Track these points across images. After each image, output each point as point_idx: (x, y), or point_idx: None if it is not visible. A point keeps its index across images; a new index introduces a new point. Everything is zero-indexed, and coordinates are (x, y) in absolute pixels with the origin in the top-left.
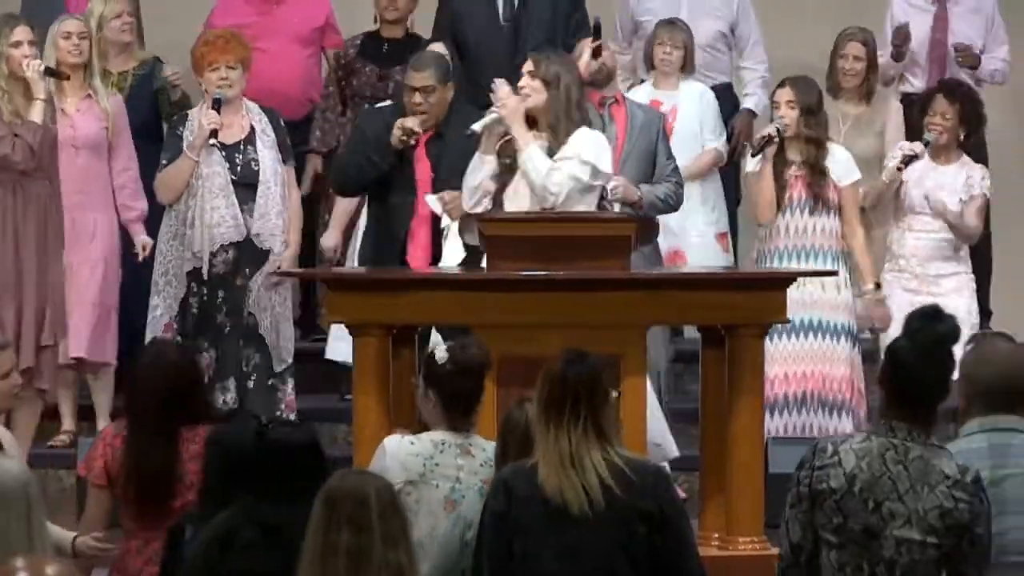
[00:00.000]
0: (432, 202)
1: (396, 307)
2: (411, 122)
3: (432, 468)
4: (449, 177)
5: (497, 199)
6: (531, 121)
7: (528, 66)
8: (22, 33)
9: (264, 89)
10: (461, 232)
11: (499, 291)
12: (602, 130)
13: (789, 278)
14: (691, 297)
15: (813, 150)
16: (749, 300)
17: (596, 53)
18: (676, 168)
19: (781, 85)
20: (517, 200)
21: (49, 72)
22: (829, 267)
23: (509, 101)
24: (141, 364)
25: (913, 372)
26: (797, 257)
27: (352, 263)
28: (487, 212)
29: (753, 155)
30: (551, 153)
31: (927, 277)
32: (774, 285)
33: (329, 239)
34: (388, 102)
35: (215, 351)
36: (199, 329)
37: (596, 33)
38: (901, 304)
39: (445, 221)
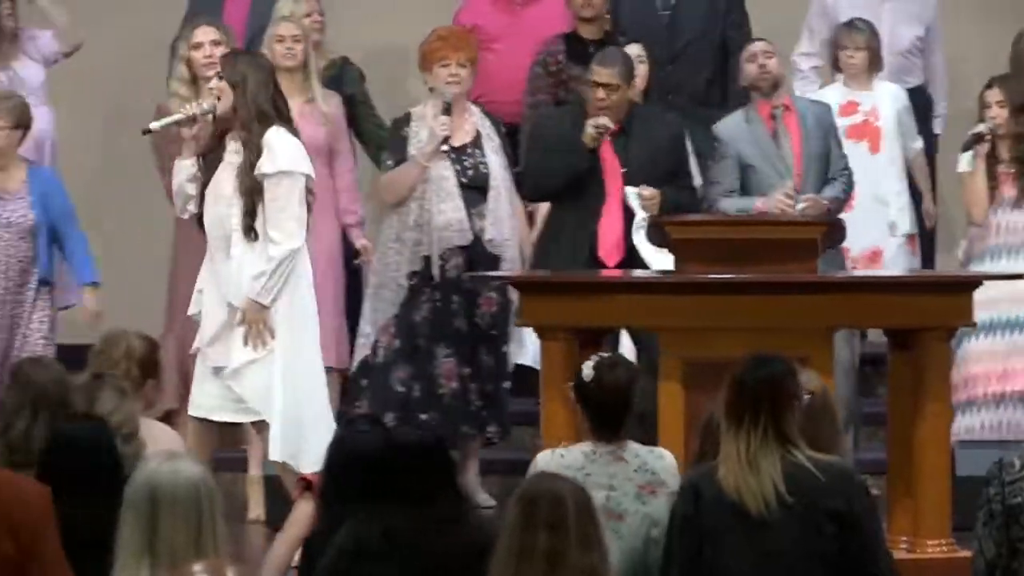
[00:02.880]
0: (631, 195)
1: (583, 310)
2: (604, 120)
3: (584, 479)
4: (637, 173)
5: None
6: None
7: (217, 68)
8: (202, 34)
9: (496, 90)
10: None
11: (685, 294)
12: (774, 141)
13: (976, 281)
14: (877, 300)
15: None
16: (936, 303)
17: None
18: (847, 162)
19: (989, 85)
20: (217, 199)
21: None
22: None
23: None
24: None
25: None
26: (1007, 255)
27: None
28: (671, 217)
29: (963, 151)
30: (254, 153)
31: None
32: (961, 288)
33: (534, 233)
34: (560, 108)
35: (456, 357)
36: (435, 333)
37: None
38: None
39: (640, 215)
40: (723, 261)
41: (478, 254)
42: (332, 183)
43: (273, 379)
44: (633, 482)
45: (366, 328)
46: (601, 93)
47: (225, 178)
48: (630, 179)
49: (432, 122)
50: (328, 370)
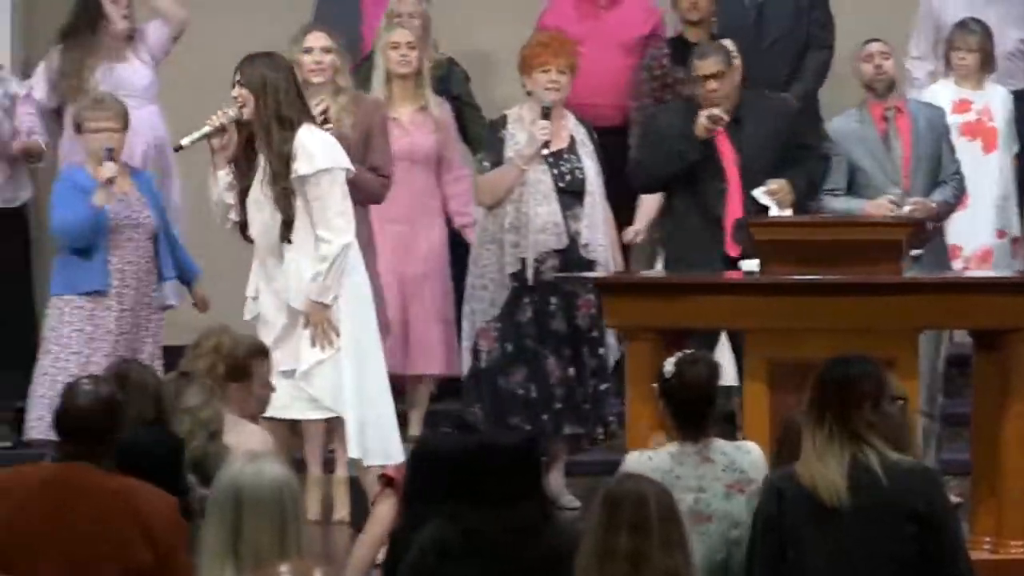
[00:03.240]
0: (761, 196)
1: (667, 311)
2: (717, 110)
3: (673, 482)
4: (754, 161)
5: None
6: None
7: (236, 75)
8: (314, 39)
9: (581, 92)
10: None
11: (771, 295)
12: (885, 143)
13: None
14: (963, 301)
15: None
16: (1022, 304)
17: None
18: (959, 166)
19: None
20: (260, 206)
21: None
22: None
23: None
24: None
25: None
26: None
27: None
28: (760, 217)
29: None
30: (276, 160)
31: None
32: None
33: (629, 233)
34: (674, 103)
35: (557, 358)
36: (537, 335)
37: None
38: None
39: (774, 211)
40: (809, 262)
41: (572, 258)
42: (440, 190)
43: (344, 376)
44: (721, 482)
45: (466, 330)
46: (712, 84)
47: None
48: (746, 166)
49: (532, 126)
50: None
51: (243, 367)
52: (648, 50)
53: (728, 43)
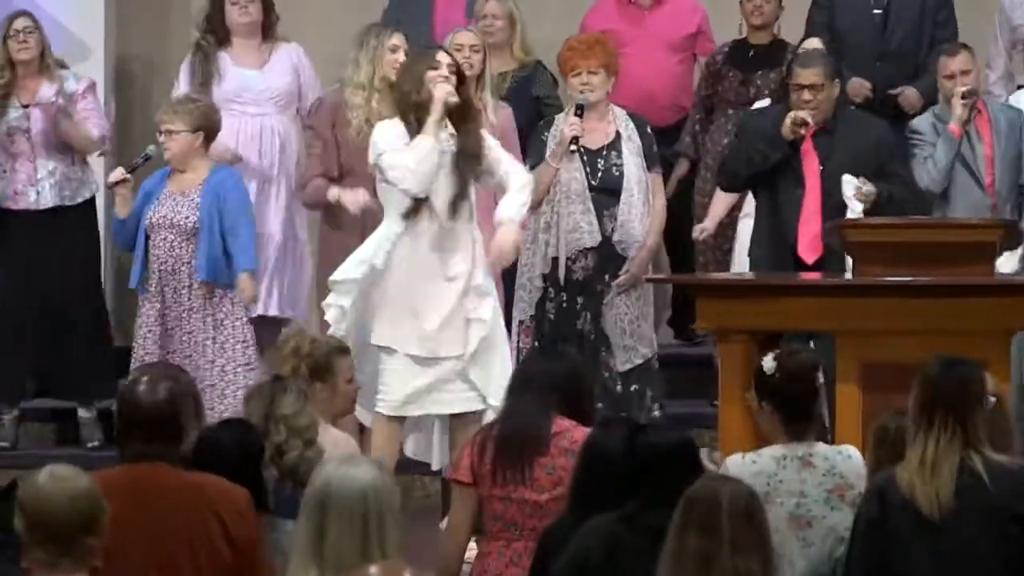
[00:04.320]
0: (847, 183)
1: (760, 313)
2: (803, 113)
3: (776, 486)
4: (836, 172)
5: None
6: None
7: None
8: (399, 40)
9: (632, 94)
10: None
11: (862, 296)
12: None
13: None
14: None
15: None
16: None
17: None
18: None
19: None
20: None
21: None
22: None
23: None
24: (533, 361)
25: None
26: None
27: (740, 253)
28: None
29: None
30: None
31: None
32: None
33: (696, 230)
34: (766, 103)
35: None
36: (559, 334)
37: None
38: None
39: (853, 206)
40: (900, 263)
41: (607, 255)
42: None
43: (499, 368)
44: (823, 487)
45: (514, 328)
46: (807, 94)
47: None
48: (827, 177)
49: (562, 125)
50: None
51: (325, 366)
52: (701, 45)
53: (815, 42)
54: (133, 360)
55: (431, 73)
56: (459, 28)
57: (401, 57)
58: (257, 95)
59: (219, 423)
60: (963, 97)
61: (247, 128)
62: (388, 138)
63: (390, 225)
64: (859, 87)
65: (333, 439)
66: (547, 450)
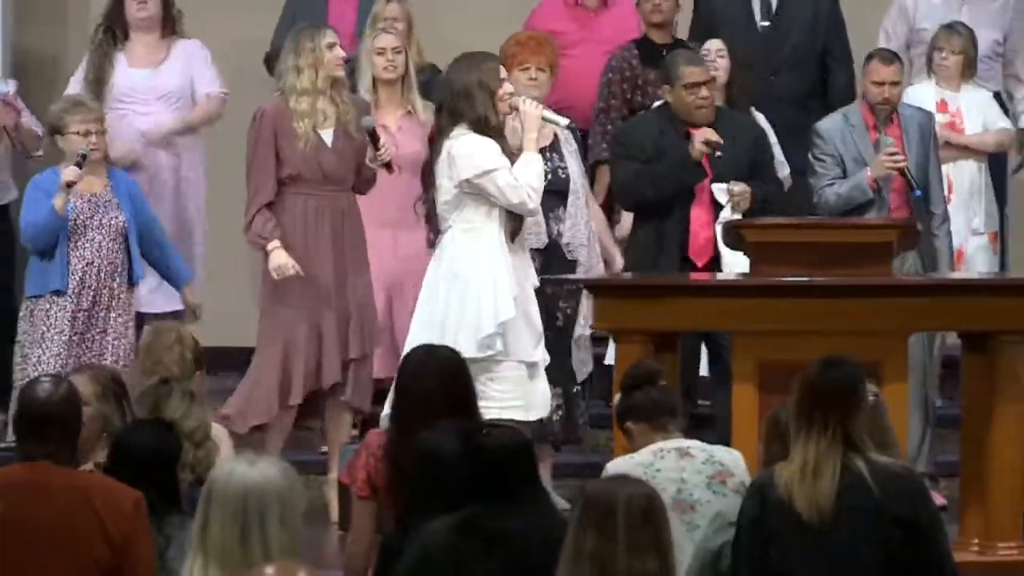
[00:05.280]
0: (719, 191)
1: (658, 313)
2: (712, 134)
3: (654, 475)
4: (723, 174)
5: None
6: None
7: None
8: (333, 36)
9: (573, 95)
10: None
11: (761, 297)
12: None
13: None
14: (952, 303)
15: None
16: (1010, 306)
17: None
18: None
19: None
20: None
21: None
22: None
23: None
24: (408, 367)
25: None
26: None
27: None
28: (749, 219)
29: (1014, 172)
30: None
31: None
32: None
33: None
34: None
35: None
36: None
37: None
38: None
39: (725, 214)
40: (798, 264)
41: (554, 258)
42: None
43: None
44: (703, 473)
45: None
46: (704, 91)
47: None
48: (716, 179)
49: (513, 123)
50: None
51: (201, 356)
52: (616, 51)
53: (716, 43)
54: (34, 363)
55: (502, 92)
56: (379, 31)
57: (340, 53)
58: (146, 94)
59: (136, 424)
60: (707, 144)
61: (138, 126)
62: (494, 156)
63: (488, 243)
64: None
65: (220, 434)
66: None
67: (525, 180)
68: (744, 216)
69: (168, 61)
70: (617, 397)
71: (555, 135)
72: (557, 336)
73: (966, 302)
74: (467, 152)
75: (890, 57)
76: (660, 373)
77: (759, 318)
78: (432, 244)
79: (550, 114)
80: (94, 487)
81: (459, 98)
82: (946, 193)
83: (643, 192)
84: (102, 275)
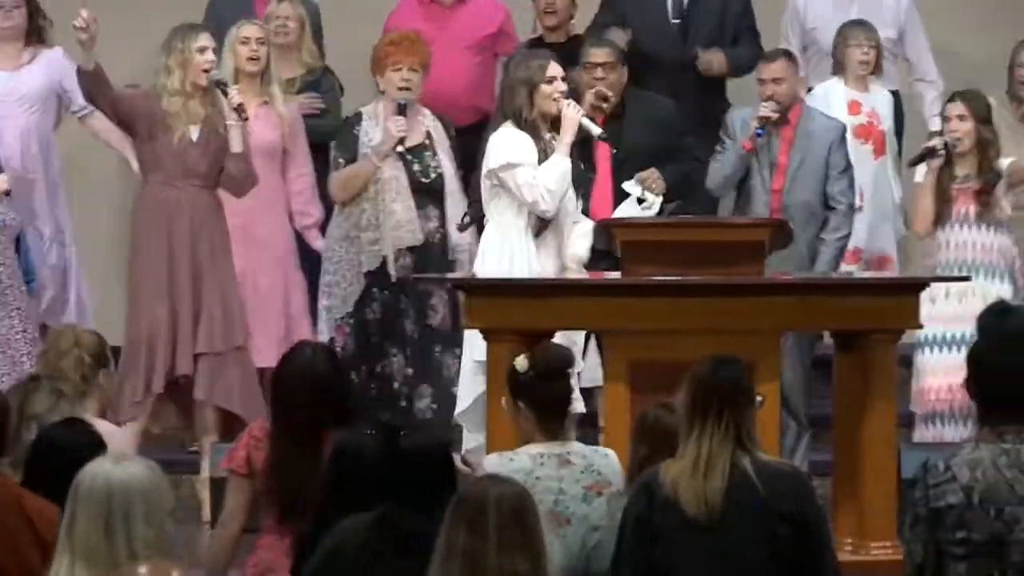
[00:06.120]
0: (630, 187)
1: (530, 312)
2: (604, 88)
3: (534, 483)
4: (631, 156)
5: None
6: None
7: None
8: (206, 39)
9: (432, 95)
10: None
11: (633, 296)
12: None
13: (922, 283)
14: (824, 302)
15: (984, 163)
16: (882, 306)
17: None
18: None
19: (952, 99)
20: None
21: (217, 84)
22: (997, 285)
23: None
24: (288, 365)
25: (995, 372)
26: (960, 272)
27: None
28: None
29: (911, 165)
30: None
31: None
32: (907, 291)
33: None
34: None
35: (403, 357)
36: (384, 333)
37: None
38: None
39: (649, 201)
40: (670, 263)
41: (429, 255)
42: (284, 186)
43: None
44: (580, 484)
45: (323, 328)
46: (599, 72)
47: None
48: (622, 162)
49: (388, 123)
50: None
51: (104, 354)
52: (503, 45)
53: (623, 35)
54: None
55: (547, 88)
56: (242, 21)
57: (210, 57)
58: (4, 96)
59: (58, 423)
60: (596, 94)
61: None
62: (521, 152)
63: (512, 240)
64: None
65: (107, 434)
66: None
67: (542, 181)
68: (665, 198)
69: (29, 66)
70: (520, 362)
71: (428, 133)
72: (431, 335)
73: (838, 301)
74: (498, 144)
75: (773, 55)
76: (571, 362)
77: (631, 318)
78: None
79: (587, 121)
80: (24, 496)
81: (505, 92)
82: (859, 202)
83: None
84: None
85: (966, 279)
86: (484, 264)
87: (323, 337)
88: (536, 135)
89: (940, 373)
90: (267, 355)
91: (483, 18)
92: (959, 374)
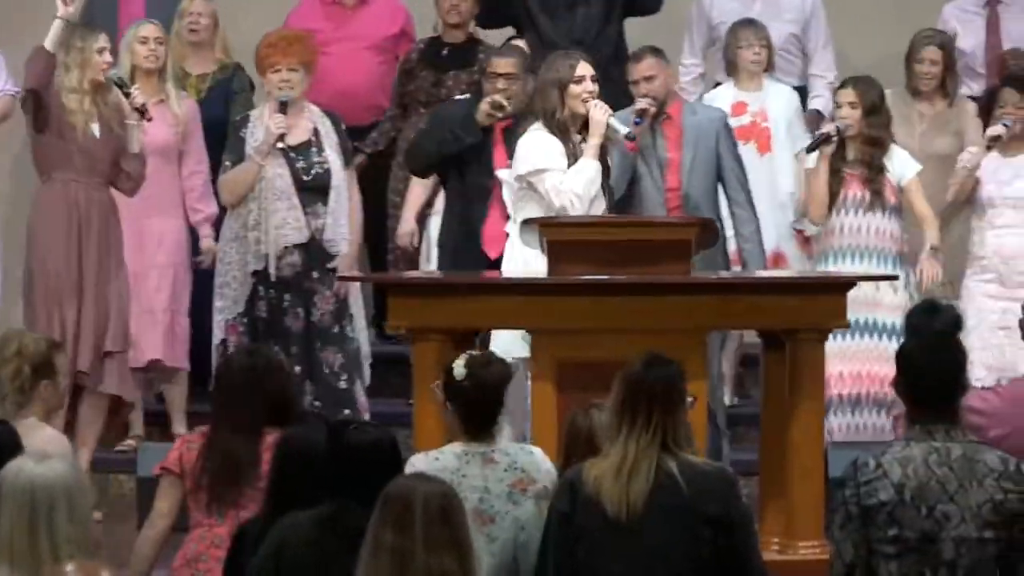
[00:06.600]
0: (502, 174)
1: (456, 312)
2: (500, 97)
3: (459, 481)
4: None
5: None
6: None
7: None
8: (104, 40)
9: (332, 94)
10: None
11: (560, 295)
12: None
13: (850, 283)
14: (751, 302)
15: (873, 150)
16: (809, 305)
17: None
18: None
19: (843, 85)
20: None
21: (118, 83)
22: (886, 268)
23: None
24: (233, 362)
25: (923, 370)
26: (852, 257)
27: (429, 249)
28: (546, 217)
29: (808, 151)
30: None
31: (1012, 277)
32: (834, 289)
33: (404, 226)
34: (463, 97)
35: (287, 355)
36: (269, 331)
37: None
38: (982, 309)
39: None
40: (596, 263)
41: (314, 253)
42: (179, 183)
43: None
44: (504, 482)
45: (216, 328)
46: (501, 83)
47: None
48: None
49: (267, 121)
50: (179, 370)
51: (48, 363)
52: (404, 46)
53: (521, 44)
54: None
55: (575, 89)
56: (141, 20)
57: (108, 58)
58: None
59: None
60: (492, 104)
61: None
62: (550, 156)
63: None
64: None
65: (48, 437)
66: (259, 472)
67: (570, 186)
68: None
69: None
70: (458, 369)
71: (315, 129)
72: (315, 332)
73: (764, 300)
74: (527, 148)
75: (639, 54)
76: (509, 378)
77: (557, 317)
78: None
79: (615, 122)
80: None
81: (536, 93)
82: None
83: (425, 148)
84: None
85: (894, 278)
86: (509, 264)
87: (216, 338)
88: (566, 136)
89: (836, 361)
90: (156, 350)
91: (385, 20)
92: (855, 362)
